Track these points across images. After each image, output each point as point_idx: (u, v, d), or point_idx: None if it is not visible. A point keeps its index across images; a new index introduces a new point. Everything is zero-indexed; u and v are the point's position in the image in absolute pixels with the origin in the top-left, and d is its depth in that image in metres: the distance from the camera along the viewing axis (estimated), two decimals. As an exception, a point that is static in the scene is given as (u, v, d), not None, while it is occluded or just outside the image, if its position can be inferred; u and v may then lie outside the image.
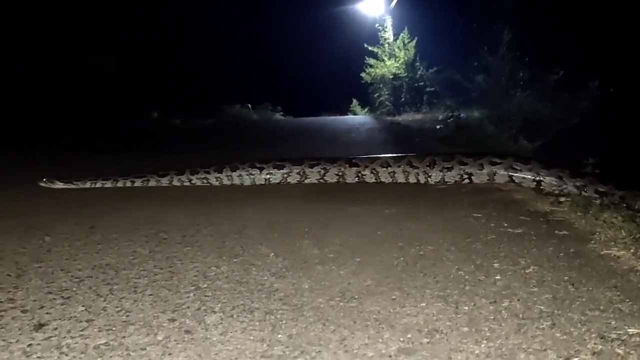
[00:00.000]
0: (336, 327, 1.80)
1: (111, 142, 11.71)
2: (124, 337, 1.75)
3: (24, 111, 14.48)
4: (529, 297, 2.06)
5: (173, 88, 23.60)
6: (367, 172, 4.78)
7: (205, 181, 4.96)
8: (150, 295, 2.12)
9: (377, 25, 24.03)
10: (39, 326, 1.84)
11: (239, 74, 30.58)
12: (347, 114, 28.18)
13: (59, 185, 4.77)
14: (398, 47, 22.85)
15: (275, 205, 3.99)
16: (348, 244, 2.86)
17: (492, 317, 1.87)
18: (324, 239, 2.95)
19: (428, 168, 4.66)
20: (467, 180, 4.61)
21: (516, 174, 4.46)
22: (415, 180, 4.69)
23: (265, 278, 2.32)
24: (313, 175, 4.89)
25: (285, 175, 4.92)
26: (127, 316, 1.91)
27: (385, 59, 23.35)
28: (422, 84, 22.09)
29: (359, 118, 23.31)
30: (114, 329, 1.81)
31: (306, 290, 2.16)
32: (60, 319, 1.89)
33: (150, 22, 23.60)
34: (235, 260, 2.59)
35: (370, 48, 23.72)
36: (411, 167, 4.71)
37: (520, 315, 1.89)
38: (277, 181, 4.94)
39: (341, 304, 2.01)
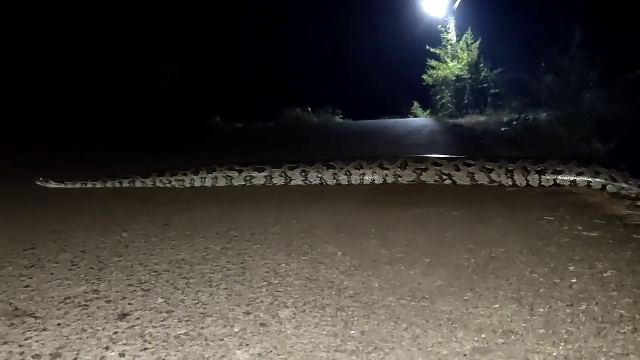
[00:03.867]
0: (409, 326, 1.80)
1: (174, 144, 12.16)
2: (203, 328, 1.81)
3: (93, 116, 15.23)
4: (608, 301, 1.98)
5: (235, 92, 24.18)
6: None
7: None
8: (225, 289, 2.19)
9: (439, 26, 23.74)
10: (123, 316, 1.94)
11: (300, 77, 31.02)
12: (408, 117, 28.03)
13: (53, 185, 5.07)
14: (461, 48, 22.42)
15: (339, 206, 4.02)
16: (416, 244, 2.84)
17: (570, 320, 1.82)
18: (392, 240, 2.95)
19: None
20: None
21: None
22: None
23: (335, 276, 2.35)
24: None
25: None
26: (205, 308, 1.98)
27: (448, 60, 22.99)
28: (486, 85, 21.57)
29: (420, 121, 23.06)
30: (192, 320, 1.88)
31: (376, 289, 2.17)
32: (141, 310, 1.99)
33: (213, 27, 24.28)
34: (304, 258, 2.63)
35: (432, 50, 23.44)
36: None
37: (600, 319, 1.83)
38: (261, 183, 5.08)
39: (412, 303, 2.01)
